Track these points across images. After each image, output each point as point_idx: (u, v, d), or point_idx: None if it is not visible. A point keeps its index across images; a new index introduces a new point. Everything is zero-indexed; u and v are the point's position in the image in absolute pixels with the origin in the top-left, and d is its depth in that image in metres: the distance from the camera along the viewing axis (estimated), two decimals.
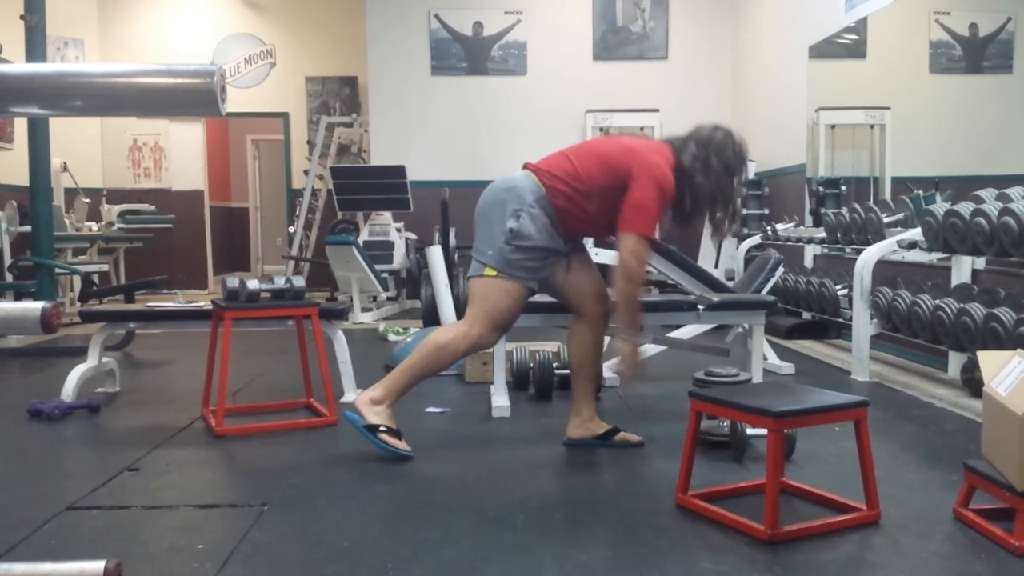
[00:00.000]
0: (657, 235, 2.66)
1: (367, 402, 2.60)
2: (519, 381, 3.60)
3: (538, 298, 3.58)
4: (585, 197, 2.61)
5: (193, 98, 1.27)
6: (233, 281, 3.12)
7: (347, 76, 8.91)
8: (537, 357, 3.51)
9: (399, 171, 6.89)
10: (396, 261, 6.95)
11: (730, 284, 4.56)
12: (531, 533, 1.99)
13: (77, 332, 5.23)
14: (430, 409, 3.28)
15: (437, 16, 7.69)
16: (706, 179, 2.60)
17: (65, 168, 7.59)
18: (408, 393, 2.67)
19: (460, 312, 5.06)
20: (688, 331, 3.88)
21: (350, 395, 3.50)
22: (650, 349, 3.85)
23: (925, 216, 3.58)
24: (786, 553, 1.85)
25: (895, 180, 4.97)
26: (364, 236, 6.97)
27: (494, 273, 2.60)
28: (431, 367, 2.63)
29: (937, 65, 4.54)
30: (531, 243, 2.59)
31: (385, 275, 6.76)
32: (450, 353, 2.62)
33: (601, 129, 7.54)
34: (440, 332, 2.66)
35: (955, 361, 3.79)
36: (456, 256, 6.08)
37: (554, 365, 3.50)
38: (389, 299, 7.03)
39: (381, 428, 2.56)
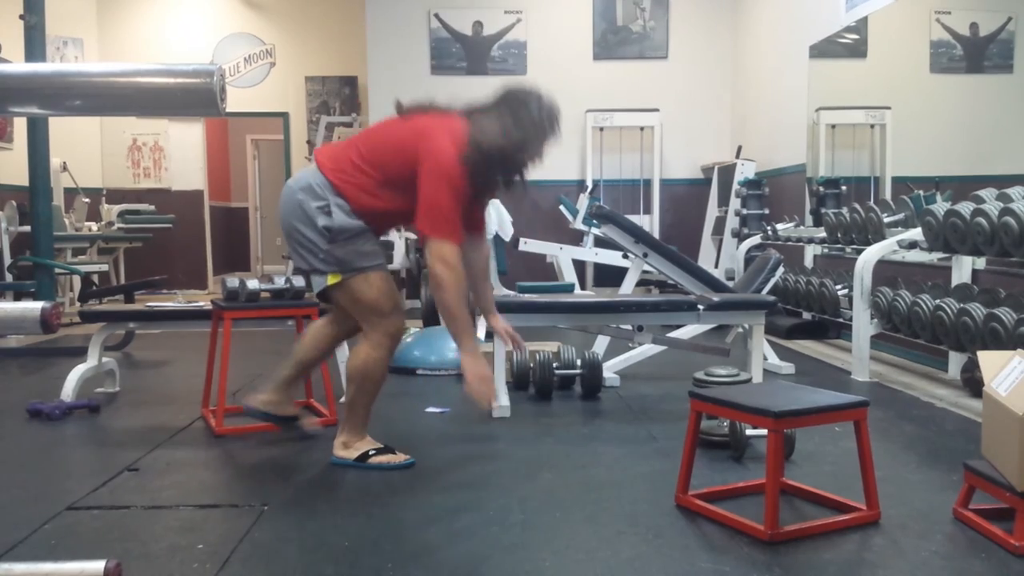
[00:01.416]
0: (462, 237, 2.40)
1: (342, 447, 2.55)
2: (519, 381, 3.60)
3: (538, 298, 3.59)
4: (381, 187, 2.41)
5: (193, 98, 1.27)
6: (233, 281, 3.12)
7: (347, 76, 8.91)
8: (537, 357, 3.51)
9: None
10: (396, 261, 6.94)
11: (730, 284, 4.56)
12: (531, 534, 2.00)
13: (77, 332, 5.23)
14: (430, 409, 3.28)
15: (437, 16, 7.69)
16: (502, 145, 2.38)
17: (65, 168, 7.59)
18: (370, 416, 2.59)
19: None
20: (688, 331, 3.88)
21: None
22: (650, 349, 3.86)
23: (925, 216, 3.58)
24: (786, 553, 1.85)
25: (895, 180, 4.96)
26: None
27: (339, 278, 2.43)
28: (369, 390, 2.52)
29: (938, 65, 4.54)
30: (354, 230, 2.42)
31: None
32: (374, 368, 2.48)
33: (601, 129, 7.55)
34: (352, 359, 2.52)
35: (955, 361, 3.79)
36: None
37: (554, 365, 3.50)
38: None
39: (369, 453, 2.52)
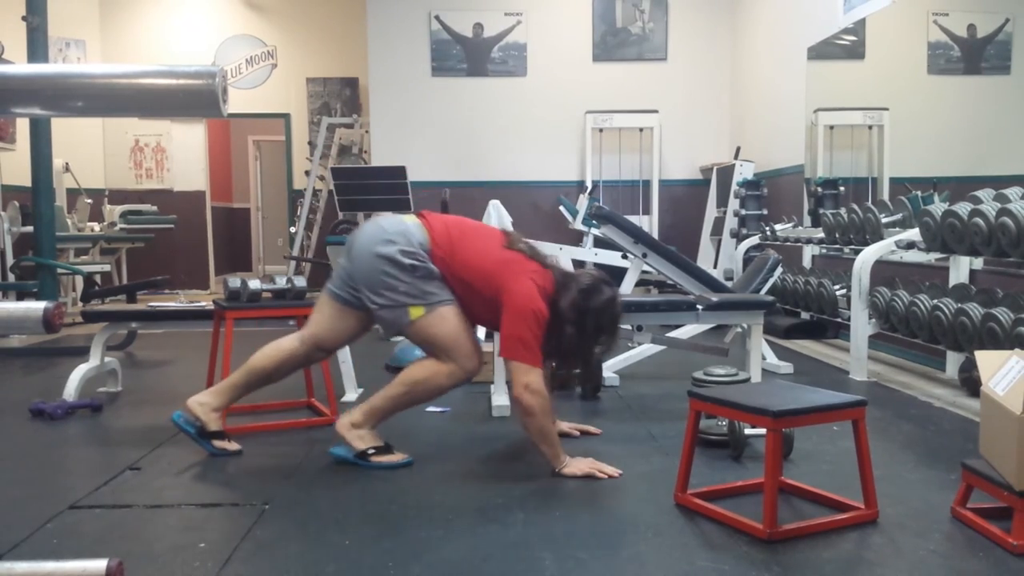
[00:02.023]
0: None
1: (348, 427, 2.55)
2: None
3: None
4: (467, 291, 2.52)
5: (195, 99, 1.28)
6: (235, 281, 3.14)
7: (348, 77, 8.92)
8: None
9: (400, 172, 6.89)
10: None
11: (729, 284, 4.57)
12: (531, 532, 2.00)
13: (79, 332, 5.24)
14: (430, 409, 3.29)
15: (437, 17, 7.70)
16: (576, 334, 2.47)
17: (67, 168, 7.61)
18: (387, 420, 2.61)
19: None
20: (687, 331, 3.89)
21: (351, 394, 3.52)
22: (650, 349, 3.87)
23: (923, 216, 3.59)
24: (784, 552, 1.86)
25: (893, 180, 4.97)
26: None
27: (421, 311, 2.46)
28: (412, 401, 2.55)
29: (935, 66, 4.55)
30: (436, 273, 2.49)
31: None
32: (432, 387, 2.52)
33: (601, 130, 7.56)
34: (418, 369, 2.53)
35: (953, 361, 3.80)
36: None
37: (553, 364, 3.50)
38: None
39: (370, 451, 2.53)
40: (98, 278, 7.14)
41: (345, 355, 3.45)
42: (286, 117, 9.05)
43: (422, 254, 2.49)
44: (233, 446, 2.69)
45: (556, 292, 2.49)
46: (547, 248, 7.14)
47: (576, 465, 2.45)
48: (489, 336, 3.20)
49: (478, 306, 2.54)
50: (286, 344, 2.69)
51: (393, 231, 2.52)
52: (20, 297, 5.54)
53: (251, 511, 2.16)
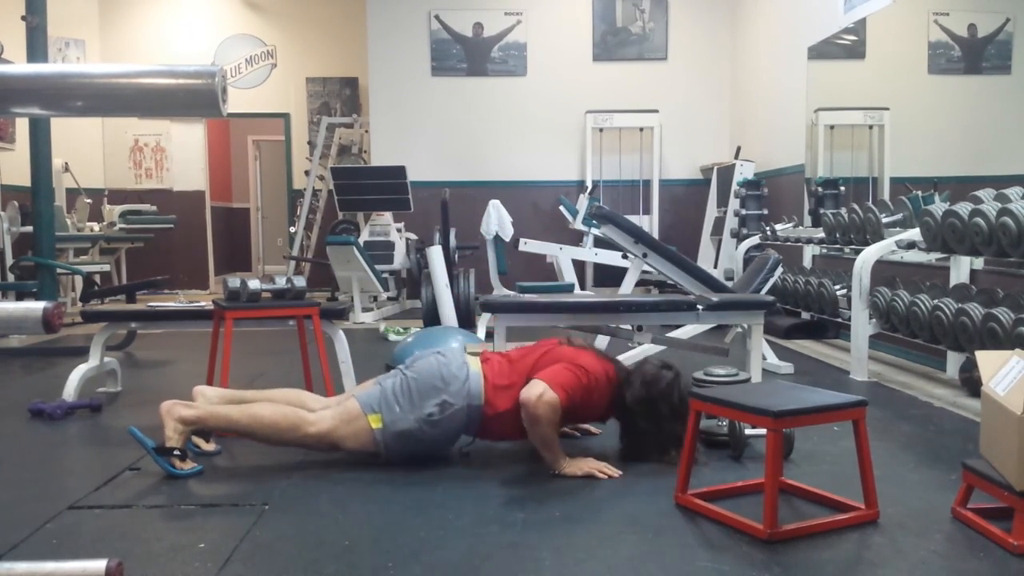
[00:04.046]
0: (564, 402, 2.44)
1: (176, 417, 2.45)
2: None
3: (538, 298, 3.59)
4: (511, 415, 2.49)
5: (194, 99, 1.27)
6: (234, 281, 3.13)
7: (348, 77, 8.92)
8: None
9: (399, 171, 6.90)
10: (396, 261, 6.96)
11: (729, 284, 4.57)
12: (531, 532, 2.00)
13: (79, 332, 5.24)
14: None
15: (437, 17, 7.70)
16: (651, 423, 2.51)
17: (67, 168, 7.60)
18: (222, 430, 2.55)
19: (460, 313, 5.08)
20: (687, 331, 3.88)
21: None
22: (650, 349, 3.86)
23: (924, 216, 3.58)
24: (785, 552, 1.86)
25: (894, 180, 4.97)
26: (365, 236, 6.99)
27: (378, 423, 2.44)
28: (260, 437, 2.48)
29: (936, 66, 4.55)
30: (429, 437, 2.48)
31: (386, 275, 6.77)
32: (287, 432, 2.45)
33: (601, 130, 7.56)
34: (287, 417, 2.46)
35: (953, 361, 3.80)
36: (456, 256, 6.09)
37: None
38: (390, 299, 7.05)
39: (175, 452, 2.44)
40: (97, 278, 7.14)
41: (345, 355, 3.45)
42: (286, 117, 9.05)
43: (462, 407, 2.49)
44: (190, 464, 2.50)
45: (620, 384, 2.56)
46: (547, 248, 7.09)
47: (576, 465, 2.45)
48: (489, 336, 3.20)
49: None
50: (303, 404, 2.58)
51: (452, 366, 2.53)
52: (20, 297, 5.54)
53: (251, 511, 2.16)
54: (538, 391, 2.38)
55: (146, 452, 2.47)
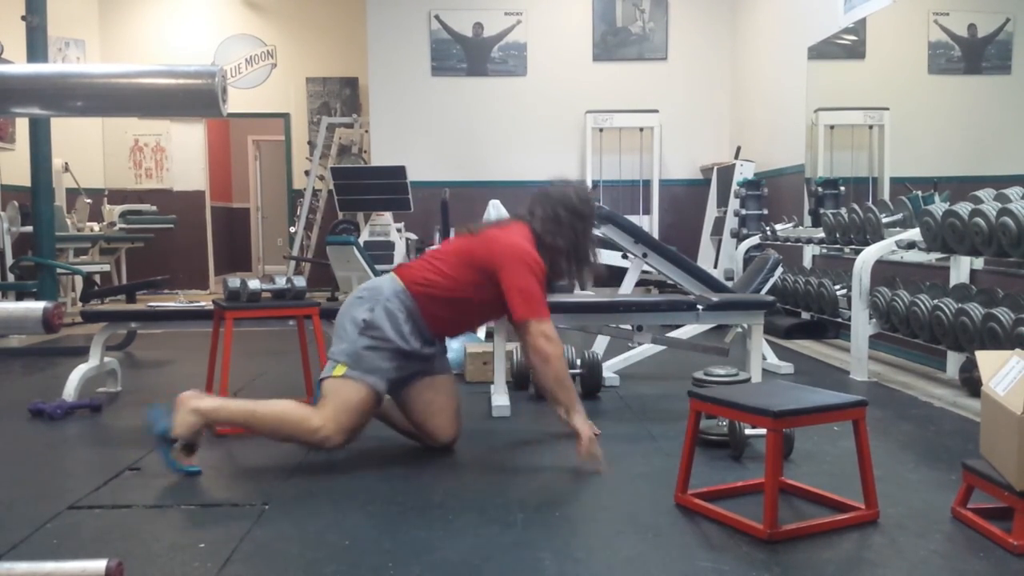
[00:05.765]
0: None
1: (191, 408, 2.45)
2: (519, 381, 3.61)
3: None
4: (460, 298, 2.58)
5: (194, 99, 1.28)
6: (234, 281, 3.13)
7: (348, 77, 8.92)
8: None
9: (399, 171, 6.90)
10: (396, 261, 6.95)
11: (729, 284, 4.57)
12: (531, 532, 2.00)
13: (79, 332, 5.23)
14: None
15: (437, 17, 7.70)
16: (560, 235, 2.61)
17: (67, 168, 7.60)
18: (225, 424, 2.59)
19: None
20: (687, 331, 3.89)
21: None
22: (650, 349, 3.86)
23: (924, 216, 3.58)
24: (785, 552, 1.86)
25: (894, 180, 4.97)
26: (365, 236, 6.98)
27: (343, 371, 2.46)
28: (268, 430, 2.49)
29: (936, 66, 4.55)
30: (383, 337, 2.50)
31: None
32: (292, 432, 2.47)
33: (601, 130, 7.56)
34: (296, 407, 2.50)
35: (953, 361, 3.79)
36: None
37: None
38: None
39: (177, 444, 2.44)
40: (97, 278, 7.14)
41: None
42: (286, 117, 9.05)
43: (391, 299, 2.55)
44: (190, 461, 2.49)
45: (532, 228, 2.62)
46: None
47: (584, 423, 2.47)
48: (489, 336, 3.20)
49: (476, 311, 2.66)
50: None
51: (362, 288, 2.65)
52: (20, 297, 5.54)
53: (251, 511, 2.16)
54: (539, 331, 2.46)
55: (152, 446, 2.50)
